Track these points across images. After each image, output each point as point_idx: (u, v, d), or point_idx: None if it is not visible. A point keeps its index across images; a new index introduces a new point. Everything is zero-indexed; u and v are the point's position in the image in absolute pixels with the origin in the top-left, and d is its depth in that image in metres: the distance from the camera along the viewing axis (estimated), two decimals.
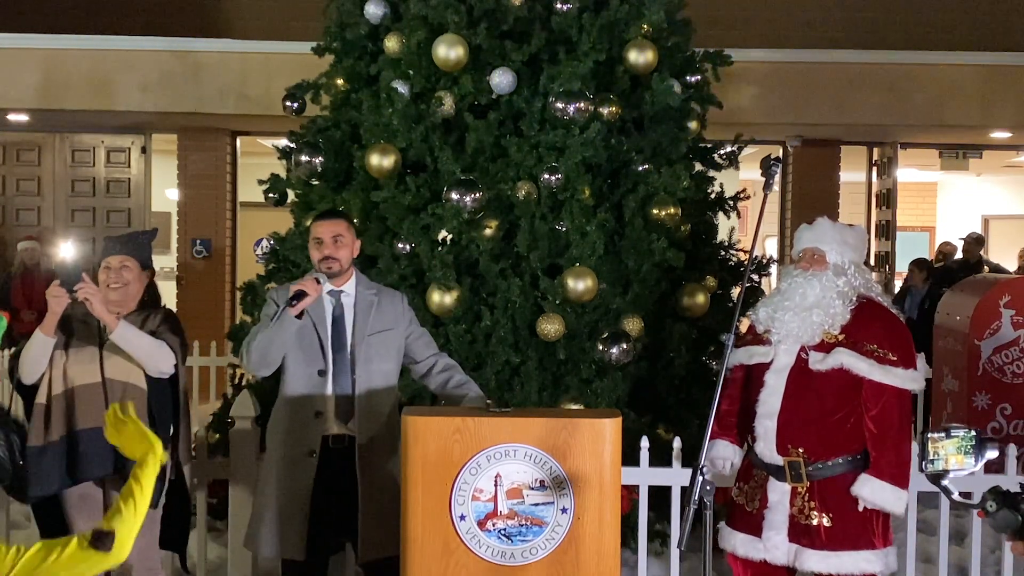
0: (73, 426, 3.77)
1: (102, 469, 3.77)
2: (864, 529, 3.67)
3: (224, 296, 10.76)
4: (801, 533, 3.65)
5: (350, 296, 3.95)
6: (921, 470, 2.59)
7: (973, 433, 2.55)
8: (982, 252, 11.71)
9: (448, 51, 5.37)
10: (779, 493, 3.68)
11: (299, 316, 3.75)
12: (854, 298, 3.68)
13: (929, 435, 2.55)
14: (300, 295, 3.71)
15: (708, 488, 3.05)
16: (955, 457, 2.54)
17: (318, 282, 3.80)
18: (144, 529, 3.83)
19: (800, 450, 3.63)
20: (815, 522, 3.64)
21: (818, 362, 3.63)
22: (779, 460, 3.66)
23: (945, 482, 2.57)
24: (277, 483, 3.87)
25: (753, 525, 3.73)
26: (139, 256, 3.96)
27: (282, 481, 3.85)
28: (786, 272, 3.84)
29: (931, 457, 2.55)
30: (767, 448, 3.67)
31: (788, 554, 3.67)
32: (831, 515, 3.63)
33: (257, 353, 3.80)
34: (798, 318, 3.65)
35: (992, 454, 2.59)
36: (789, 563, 3.70)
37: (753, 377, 3.80)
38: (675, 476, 4.55)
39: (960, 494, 2.58)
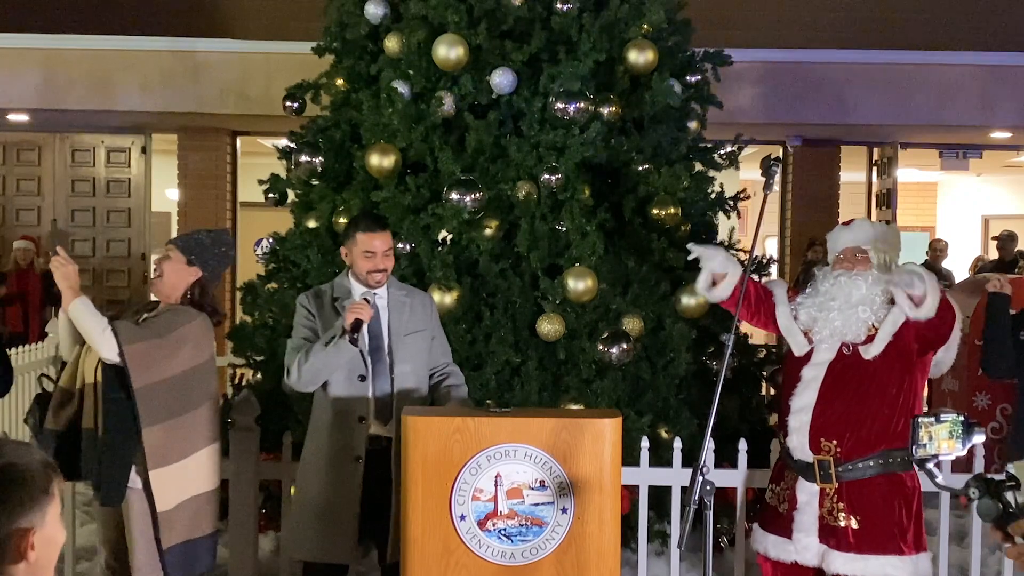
0: (78, 423, 3.76)
1: (91, 473, 3.75)
2: (893, 534, 3.66)
3: (224, 296, 10.77)
4: (829, 534, 3.67)
5: (383, 298, 3.95)
6: (910, 454, 2.62)
7: (961, 418, 2.57)
8: (1016, 249, 11.66)
9: (448, 51, 5.37)
10: (808, 494, 3.70)
11: (356, 343, 3.73)
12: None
13: (920, 419, 2.58)
14: (358, 325, 3.70)
15: (708, 488, 3.05)
16: (945, 442, 2.57)
17: (368, 302, 3.78)
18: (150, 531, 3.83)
19: (834, 443, 3.64)
20: (843, 524, 3.65)
21: (871, 350, 3.67)
22: (809, 457, 3.67)
23: (930, 466, 2.59)
24: (323, 489, 3.86)
25: (783, 527, 3.75)
26: (184, 248, 3.88)
27: (329, 487, 3.84)
28: (826, 273, 3.84)
29: (922, 441, 2.57)
30: (799, 443, 3.69)
31: (818, 555, 3.69)
32: (859, 517, 3.65)
33: (309, 375, 3.81)
34: (843, 316, 3.69)
35: (979, 439, 2.61)
36: (819, 564, 3.72)
37: (786, 372, 3.84)
38: (675, 476, 4.55)
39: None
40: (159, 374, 3.70)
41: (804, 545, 3.69)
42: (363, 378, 3.85)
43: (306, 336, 3.89)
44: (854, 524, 3.64)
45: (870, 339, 3.70)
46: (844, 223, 3.94)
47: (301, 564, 4.03)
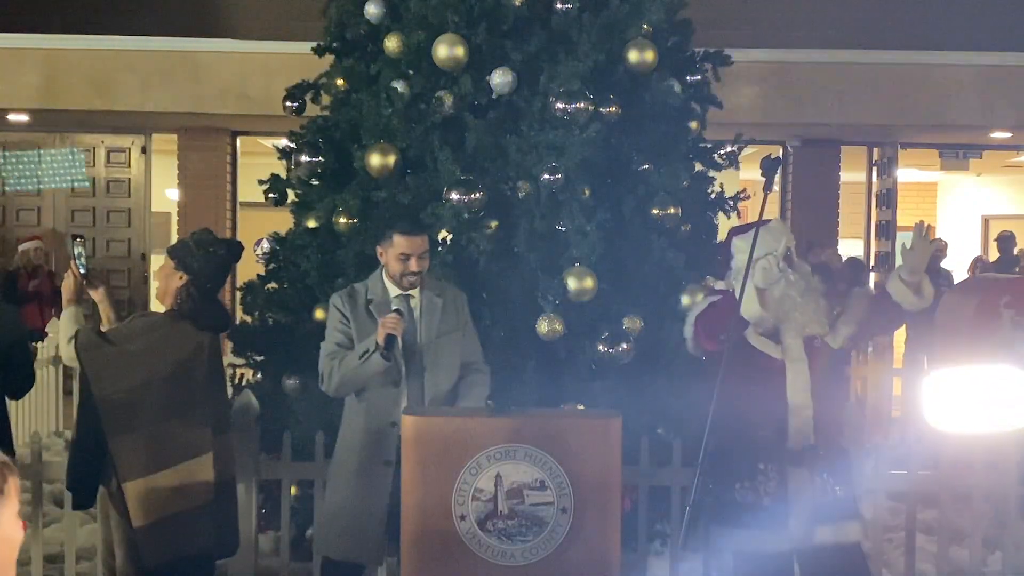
0: None
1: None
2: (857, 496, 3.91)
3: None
4: (827, 510, 3.72)
5: (416, 299, 3.96)
6: None
7: None
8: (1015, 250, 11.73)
9: (448, 51, 5.37)
10: (799, 479, 3.71)
11: (389, 358, 3.75)
12: None
13: None
14: (391, 341, 3.72)
15: (708, 488, 3.06)
16: None
17: (400, 314, 3.80)
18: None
19: (830, 430, 3.76)
20: (840, 494, 3.75)
21: (838, 339, 3.80)
22: (808, 445, 3.72)
23: None
24: (352, 491, 3.89)
25: (774, 518, 3.71)
26: (171, 252, 3.88)
27: (359, 489, 3.87)
28: (769, 271, 3.75)
29: None
30: (802, 436, 3.72)
31: (814, 535, 3.70)
32: (845, 488, 3.78)
33: (338, 384, 3.87)
34: (804, 312, 3.74)
35: None
36: (818, 543, 3.72)
37: (760, 375, 3.77)
38: (675, 476, 4.55)
39: None
40: (120, 383, 3.65)
41: (802, 529, 3.68)
42: (396, 383, 3.87)
43: (339, 341, 3.89)
44: (840, 493, 3.75)
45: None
46: (762, 224, 3.78)
47: (303, 565, 4.04)
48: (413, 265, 3.88)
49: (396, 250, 3.90)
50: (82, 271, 3.88)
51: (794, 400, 3.72)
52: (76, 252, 3.89)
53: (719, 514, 3.73)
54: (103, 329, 3.84)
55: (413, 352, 3.90)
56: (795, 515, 3.70)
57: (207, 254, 3.81)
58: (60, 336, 3.83)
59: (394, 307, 3.86)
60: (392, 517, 3.80)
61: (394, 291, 3.93)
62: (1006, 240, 11.64)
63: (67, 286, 3.87)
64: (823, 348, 3.78)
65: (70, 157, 9.64)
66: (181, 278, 3.79)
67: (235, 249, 4.00)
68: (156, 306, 3.98)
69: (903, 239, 4.12)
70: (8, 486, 1.80)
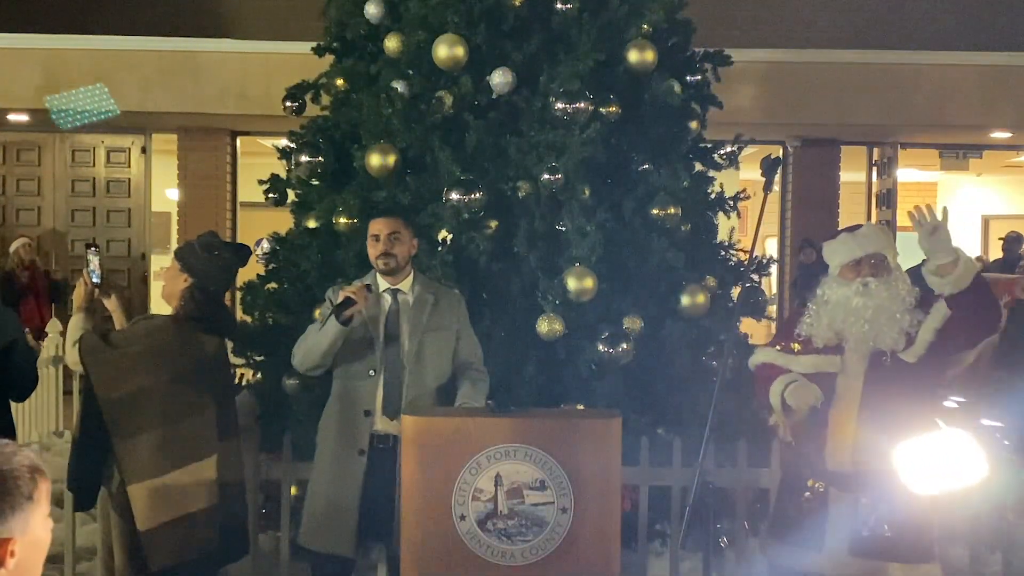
0: None
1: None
2: (925, 540, 3.58)
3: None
4: (867, 545, 3.53)
5: (407, 295, 3.97)
6: None
7: None
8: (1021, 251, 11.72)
9: (448, 51, 5.37)
10: (843, 504, 3.56)
11: (346, 323, 3.74)
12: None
13: None
14: (347, 303, 3.72)
15: (708, 488, 3.05)
16: None
17: (368, 289, 3.80)
18: None
19: (879, 453, 3.47)
20: (882, 533, 3.52)
21: (913, 352, 3.52)
22: (849, 468, 3.54)
23: None
24: (327, 480, 3.91)
25: (814, 539, 3.59)
26: (177, 254, 3.90)
27: (333, 479, 3.89)
28: (840, 283, 3.63)
29: None
30: (840, 458, 3.55)
31: (852, 567, 3.55)
32: (895, 526, 3.52)
33: (300, 357, 3.91)
34: (874, 325, 3.52)
35: None
36: (849, 574, 3.57)
37: (820, 388, 3.60)
38: (675, 476, 4.55)
39: None
40: (123, 385, 3.65)
41: (838, 557, 3.54)
42: (373, 371, 3.86)
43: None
44: (889, 532, 3.51)
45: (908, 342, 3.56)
46: (849, 231, 3.72)
47: (303, 565, 4.05)
48: (381, 245, 3.89)
49: (369, 234, 3.96)
50: (95, 280, 3.92)
51: (833, 418, 3.55)
52: (87, 260, 3.93)
53: (770, 522, 3.65)
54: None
55: (395, 344, 3.90)
56: (830, 541, 3.55)
57: (211, 257, 3.82)
58: (67, 341, 3.87)
59: (366, 283, 3.88)
60: (366, 509, 3.82)
61: (384, 285, 3.94)
62: (1013, 241, 11.63)
63: (78, 294, 3.93)
64: (895, 365, 3.52)
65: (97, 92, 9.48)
66: (185, 280, 3.80)
67: (242, 253, 4.01)
68: (156, 306, 4.01)
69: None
70: (39, 491, 1.82)
